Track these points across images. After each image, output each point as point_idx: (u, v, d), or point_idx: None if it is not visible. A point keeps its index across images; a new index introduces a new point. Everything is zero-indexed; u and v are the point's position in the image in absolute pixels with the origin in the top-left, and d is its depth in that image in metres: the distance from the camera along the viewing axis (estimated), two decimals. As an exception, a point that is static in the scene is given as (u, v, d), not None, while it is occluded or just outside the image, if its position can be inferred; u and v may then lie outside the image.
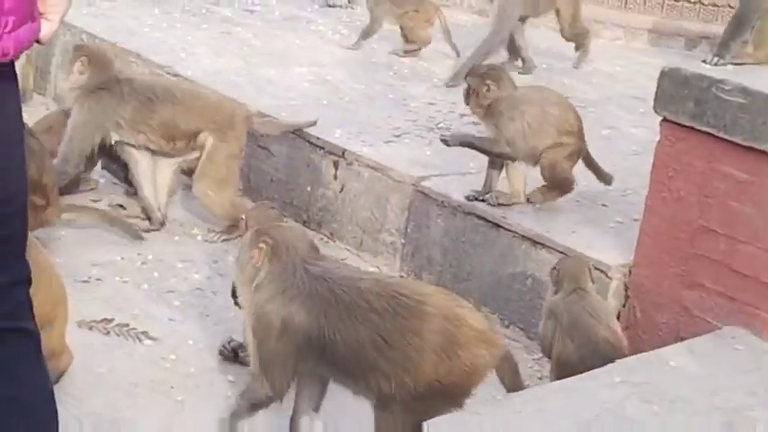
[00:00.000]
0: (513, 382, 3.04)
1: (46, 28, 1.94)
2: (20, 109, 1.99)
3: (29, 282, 2.09)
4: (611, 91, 5.44)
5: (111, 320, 3.61)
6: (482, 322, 3.01)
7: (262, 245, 2.91)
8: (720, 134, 3.36)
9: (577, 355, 3.26)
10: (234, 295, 3.07)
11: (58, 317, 3.06)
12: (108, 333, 3.56)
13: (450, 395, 2.93)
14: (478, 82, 4.00)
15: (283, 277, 2.90)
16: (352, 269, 3.26)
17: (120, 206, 4.48)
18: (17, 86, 1.99)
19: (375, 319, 2.87)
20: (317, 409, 3.11)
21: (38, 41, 1.96)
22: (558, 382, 3.25)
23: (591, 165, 4.18)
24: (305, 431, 3.07)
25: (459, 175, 4.26)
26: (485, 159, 4.31)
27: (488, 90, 3.97)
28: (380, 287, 2.95)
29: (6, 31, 1.83)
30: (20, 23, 1.85)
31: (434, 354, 2.87)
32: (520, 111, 3.98)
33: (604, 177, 4.19)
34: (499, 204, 3.96)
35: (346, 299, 2.89)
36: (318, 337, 2.87)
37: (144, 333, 3.57)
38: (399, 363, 2.86)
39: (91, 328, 3.56)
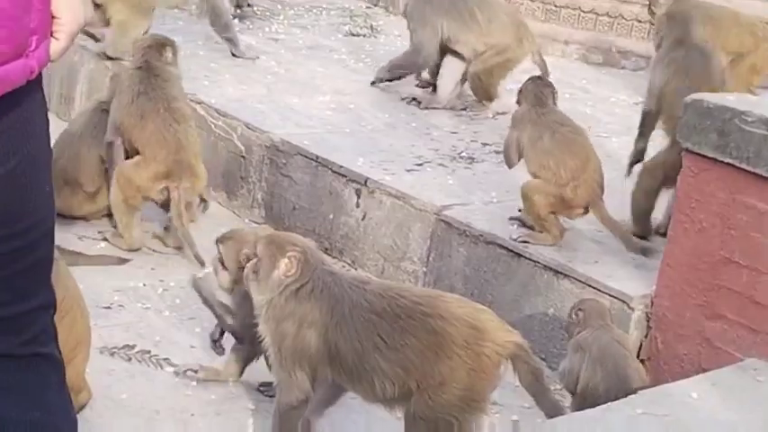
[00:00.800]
0: (530, 380, 2.97)
1: (55, 47, 1.94)
2: (48, 132, 2.01)
3: (53, 307, 2.10)
4: (634, 121, 5.43)
5: (132, 347, 3.63)
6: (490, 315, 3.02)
7: (292, 254, 2.96)
8: (743, 165, 3.36)
9: (604, 385, 3.25)
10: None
11: (78, 356, 3.06)
12: (130, 359, 3.58)
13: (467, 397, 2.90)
14: None
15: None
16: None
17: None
18: (46, 109, 2.00)
19: (375, 319, 2.92)
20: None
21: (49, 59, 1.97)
22: (580, 413, 3.24)
23: None
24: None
25: (482, 205, 4.27)
26: (508, 187, 4.33)
27: None
28: (383, 289, 3.01)
29: (32, 50, 1.85)
30: (40, 42, 1.87)
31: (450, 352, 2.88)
32: None
33: None
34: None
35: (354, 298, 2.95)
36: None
37: (165, 360, 3.58)
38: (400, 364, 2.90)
39: (113, 355, 3.58)
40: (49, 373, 2.09)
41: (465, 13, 5.47)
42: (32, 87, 1.90)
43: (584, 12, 6.96)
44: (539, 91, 4.14)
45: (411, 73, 5.73)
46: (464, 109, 5.58)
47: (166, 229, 4.48)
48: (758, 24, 5.92)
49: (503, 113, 5.50)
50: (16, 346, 2.02)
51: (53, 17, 1.92)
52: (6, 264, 1.95)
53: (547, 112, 4.07)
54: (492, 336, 2.93)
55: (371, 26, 6.92)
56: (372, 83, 5.66)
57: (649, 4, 5.92)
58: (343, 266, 4.31)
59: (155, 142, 4.27)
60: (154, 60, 4.40)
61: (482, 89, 5.55)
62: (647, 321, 3.66)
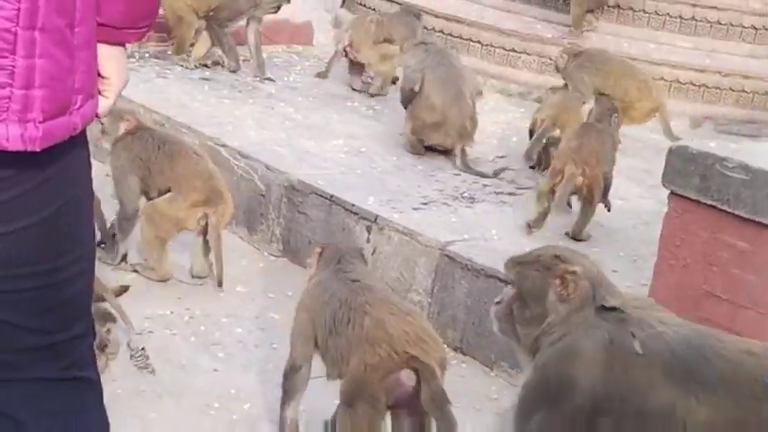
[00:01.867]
0: (426, 399, 2.88)
1: (103, 104, 1.99)
2: (91, 178, 2.03)
3: (92, 335, 2.11)
4: (621, 164, 5.44)
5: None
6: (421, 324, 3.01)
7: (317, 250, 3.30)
8: (724, 207, 3.35)
9: None
10: None
11: None
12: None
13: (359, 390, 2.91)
14: None
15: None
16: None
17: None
18: (89, 156, 2.02)
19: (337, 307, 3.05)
20: None
21: (96, 116, 2.00)
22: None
23: None
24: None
25: (483, 241, 4.28)
26: (507, 225, 4.33)
27: None
28: (358, 285, 3.12)
29: (76, 108, 1.87)
30: (85, 101, 1.89)
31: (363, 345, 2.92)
32: None
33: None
34: None
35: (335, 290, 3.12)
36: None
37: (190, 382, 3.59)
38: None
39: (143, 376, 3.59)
40: (88, 394, 2.10)
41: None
42: (77, 140, 1.92)
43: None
44: None
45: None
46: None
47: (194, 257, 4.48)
48: (647, 80, 6.04)
49: (502, 157, 5.54)
50: (58, 371, 2.03)
51: (101, 77, 1.94)
52: (50, 296, 1.96)
53: None
54: (395, 343, 2.90)
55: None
56: None
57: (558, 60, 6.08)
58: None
59: (189, 175, 4.27)
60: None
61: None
62: (636, 350, 3.66)
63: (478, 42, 7.19)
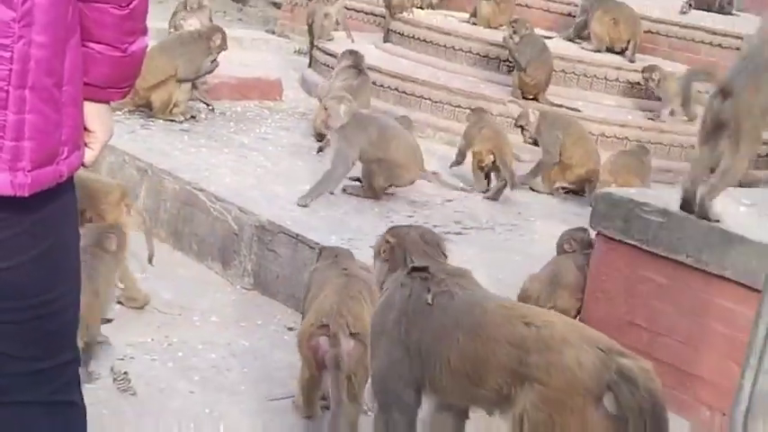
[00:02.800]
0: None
1: (89, 155, 1.99)
2: (77, 220, 2.02)
3: (78, 362, 2.09)
4: (557, 209, 5.50)
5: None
6: None
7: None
8: (644, 246, 3.42)
9: None
10: None
11: None
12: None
13: None
14: None
15: None
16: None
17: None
18: (76, 201, 2.02)
19: None
20: None
21: (83, 165, 2.00)
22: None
23: None
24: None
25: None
26: (452, 260, 4.33)
27: None
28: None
29: (63, 158, 1.87)
30: (71, 152, 1.89)
31: None
32: None
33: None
34: None
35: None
36: None
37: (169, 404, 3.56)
38: None
39: (125, 399, 3.55)
40: (73, 417, 2.09)
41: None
42: (64, 186, 1.92)
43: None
44: None
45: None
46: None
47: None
48: (594, 150, 6.16)
49: (450, 201, 5.57)
50: (46, 395, 2.01)
51: (87, 130, 1.95)
52: (39, 326, 1.95)
53: None
54: (321, 315, 3.27)
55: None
56: None
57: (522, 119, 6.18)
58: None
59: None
60: None
61: None
62: (567, 373, 3.68)
63: (429, 99, 7.24)
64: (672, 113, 6.97)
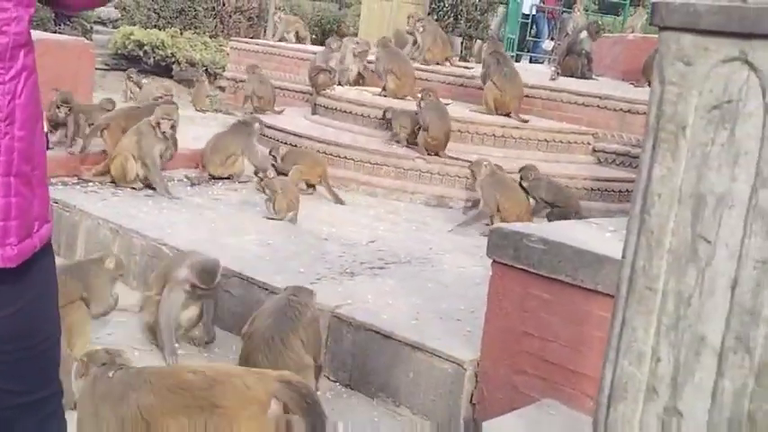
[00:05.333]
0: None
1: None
2: (56, 275, 2.00)
3: (61, 394, 2.06)
4: (463, 243, 5.55)
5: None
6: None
7: None
8: (531, 270, 3.46)
9: None
10: None
11: None
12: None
13: None
14: None
15: None
16: None
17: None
18: (54, 261, 1.99)
19: None
20: None
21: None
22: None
23: None
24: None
25: (362, 303, 4.29)
26: (378, 291, 4.36)
27: None
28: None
29: (35, 231, 1.85)
30: (41, 225, 1.88)
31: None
32: None
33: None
34: None
35: None
36: None
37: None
38: None
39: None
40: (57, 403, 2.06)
41: None
42: (41, 252, 1.89)
43: (423, 172, 7.17)
44: None
45: None
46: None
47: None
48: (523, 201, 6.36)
49: (373, 242, 5.60)
50: (36, 423, 1.98)
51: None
52: (26, 365, 1.93)
53: None
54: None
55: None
56: None
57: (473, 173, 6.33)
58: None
59: None
60: None
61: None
62: (476, 377, 3.70)
63: (352, 159, 7.31)
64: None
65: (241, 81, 10.29)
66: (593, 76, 9.14)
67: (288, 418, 2.57)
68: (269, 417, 2.53)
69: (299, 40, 11.43)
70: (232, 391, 2.56)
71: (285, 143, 7.55)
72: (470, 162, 6.79)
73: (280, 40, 11.30)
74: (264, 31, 11.50)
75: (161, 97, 8.20)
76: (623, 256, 1.49)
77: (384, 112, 7.55)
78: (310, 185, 6.75)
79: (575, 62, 9.06)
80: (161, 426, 2.57)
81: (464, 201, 6.92)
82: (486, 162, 6.39)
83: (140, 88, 10.11)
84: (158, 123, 6.27)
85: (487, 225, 5.95)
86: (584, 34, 9.08)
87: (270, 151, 6.96)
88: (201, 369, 2.76)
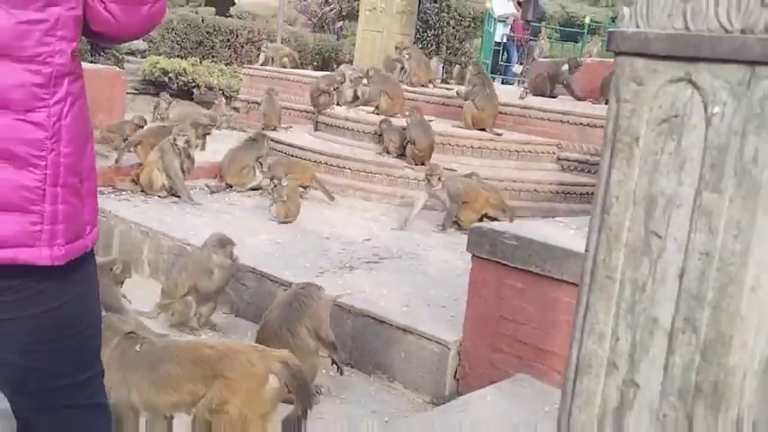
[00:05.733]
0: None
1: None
2: (96, 276, 1.98)
3: (102, 373, 2.05)
4: (444, 239, 5.55)
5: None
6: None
7: None
8: (506, 262, 3.47)
9: None
10: None
11: None
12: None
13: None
14: None
15: None
16: None
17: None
18: (95, 263, 1.98)
19: None
20: None
21: None
22: (414, 417, 3.21)
23: None
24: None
25: (360, 293, 4.28)
26: (373, 282, 4.35)
27: None
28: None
29: (87, 233, 1.85)
30: (92, 229, 1.87)
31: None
32: None
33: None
34: None
35: None
36: None
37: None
38: None
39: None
40: (105, 415, 2.04)
41: None
42: (88, 254, 1.89)
43: (411, 179, 7.15)
44: None
45: None
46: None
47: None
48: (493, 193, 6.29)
49: (368, 240, 5.59)
50: (84, 399, 1.97)
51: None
52: (76, 349, 1.92)
53: None
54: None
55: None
56: None
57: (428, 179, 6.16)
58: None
59: None
60: None
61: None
62: (459, 355, 3.70)
63: (349, 169, 7.29)
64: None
65: (254, 102, 10.28)
66: (558, 96, 9.19)
67: (282, 393, 2.63)
68: (266, 390, 2.58)
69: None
70: (237, 365, 2.60)
71: (292, 156, 7.54)
72: (453, 170, 6.79)
73: (262, 64, 11.36)
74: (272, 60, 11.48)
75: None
76: (586, 250, 1.49)
77: (380, 123, 7.54)
78: (304, 187, 6.72)
79: (545, 84, 9.13)
80: (184, 391, 2.66)
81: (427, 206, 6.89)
82: (440, 167, 6.34)
83: (168, 109, 10.10)
84: (175, 140, 6.27)
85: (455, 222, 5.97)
86: (565, 67, 9.14)
87: (257, 158, 6.94)
88: (216, 345, 2.81)
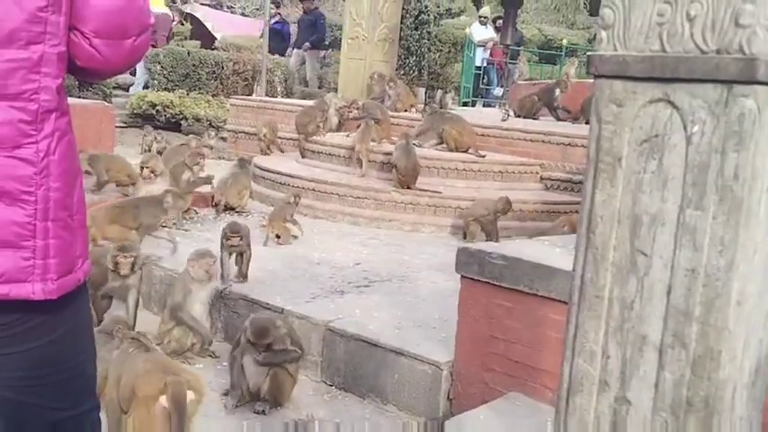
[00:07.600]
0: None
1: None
2: (90, 310, 1.96)
3: (98, 408, 2.01)
4: (432, 261, 5.54)
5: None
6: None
7: None
8: (495, 282, 3.46)
9: None
10: None
11: None
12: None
13: None
14: None
15: None
16: None
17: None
18: (89, 298, 1.96)
19: None
20: None
21: None
22: (418, 435, 3.20)
23: None
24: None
25: (350, 318, 4.26)
26: (364, 306, 4.32)
27: None
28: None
29: (79, 267, 1.83)
30: (83, 262, 1.85)
31: None
32: None
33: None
34: None
35: None
36: None
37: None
38: None
39: None
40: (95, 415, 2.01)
41: None
42: (81, 288, 1.87)
43: (398, 203, 7.15)
44: None
45: None
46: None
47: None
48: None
49: (359, 264, 5.57)
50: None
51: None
52: (66, 384, 1.88)
53: None
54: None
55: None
56: None
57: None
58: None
59: None
60: None
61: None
62: (451, 376, 3.68)
63: (337, 194, 7.29)
64: None
65: (241, 132, 10.29)
66: (540, 118, 9.27)
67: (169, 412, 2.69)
68: (154, 407, 2.69)
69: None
70: (146, 383, 2.76)
71: (280, 183, 7.53)
72: (438, 192, 6.79)
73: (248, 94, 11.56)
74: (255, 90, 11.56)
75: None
76: (573, 269, 1.49)
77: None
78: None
79: (534, 107, 9.24)
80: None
81: (435, 226, 6.90)
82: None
83: (157, 142, 10.14)
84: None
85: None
86: (557, 92, 9.25)
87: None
88: (152, 361, 2.95)
